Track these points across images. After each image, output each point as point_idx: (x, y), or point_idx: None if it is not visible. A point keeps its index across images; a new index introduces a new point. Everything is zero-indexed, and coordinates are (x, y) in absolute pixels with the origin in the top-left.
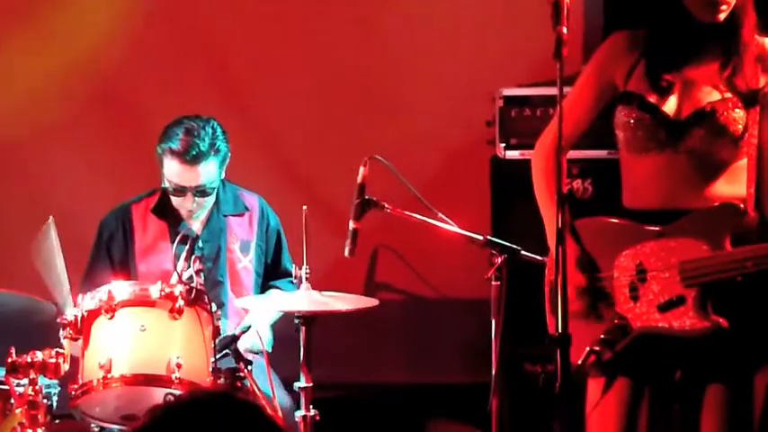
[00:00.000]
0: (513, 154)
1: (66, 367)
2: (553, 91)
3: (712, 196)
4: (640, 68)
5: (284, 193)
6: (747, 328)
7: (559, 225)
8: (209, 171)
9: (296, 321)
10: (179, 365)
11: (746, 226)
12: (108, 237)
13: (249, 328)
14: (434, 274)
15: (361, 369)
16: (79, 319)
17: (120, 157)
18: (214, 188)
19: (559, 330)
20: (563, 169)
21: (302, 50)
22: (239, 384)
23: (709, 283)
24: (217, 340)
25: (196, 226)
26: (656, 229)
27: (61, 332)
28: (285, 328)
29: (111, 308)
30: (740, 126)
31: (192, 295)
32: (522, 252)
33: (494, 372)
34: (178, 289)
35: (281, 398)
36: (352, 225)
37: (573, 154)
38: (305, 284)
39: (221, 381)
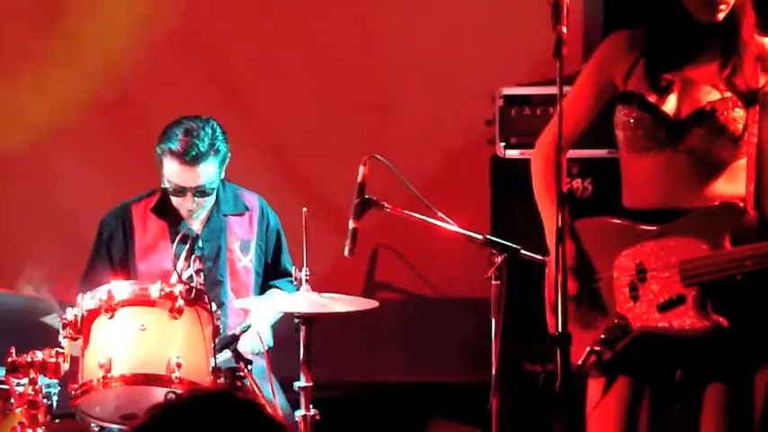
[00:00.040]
0: (513, 153)
1: (66, 367)
2: (553, 90)
3: (712, 196)
4: (640, 68)
5: (284, 192)
6: (747, 328)
7: (559, 224)
8: (208, 171)
9: (296, 321)
10: (179, 365)
11: (746, 225)
12: (108, 236)
13: (249, 327)
14: (434, 273)
15: (361, 368)
16: (79, 318)
17: (120, 156)
18: (214, 188)
19: (559, 330)
20: (563, 168)
21: (302, 50)
22: (239, 384)
23: (709, 283)
24: (217, 340)
25: (196, 225)
26: (656, 228)
27: (61, 332)
28: (285, 328)
29: (110, 307)
30: (740, 125)
31: (192, 295)
32: (522, 251)
33: (494, 371)
34: (178, 288)
35: (279, 402)
36: (351, 224)
37: (573, 153)
38: (305, 286)
39: (221, 380)
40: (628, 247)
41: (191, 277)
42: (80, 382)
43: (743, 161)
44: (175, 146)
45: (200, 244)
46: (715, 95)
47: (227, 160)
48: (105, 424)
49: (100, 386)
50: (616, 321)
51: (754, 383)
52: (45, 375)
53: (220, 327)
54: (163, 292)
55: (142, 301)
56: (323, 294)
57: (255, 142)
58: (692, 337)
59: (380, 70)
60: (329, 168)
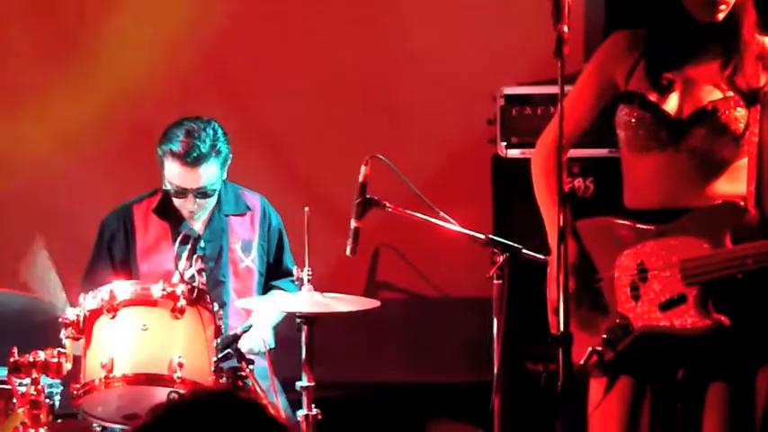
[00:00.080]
0: (514, 153)
1: (68, 367)
2: (554, 89)
3: (713, 195)
4: (641, 68)
5: (285, 193)
6: (749, 326)
7: (561, 224)
8: (210, 173)
9: (297, 321)
10: (181, 365)
11: (747, 224)
12: (109, 237)
13: (251, 327)
14: (436, 272)
15: (363, 368)
16: (81, 318)
17: (121, 156)
18: (215, 190)
19: (561, 329)
20: (563, 168)
21: (302, 50)
22: (241, 384)
23: (710, 282)
24: (218, 339)
25: (197, 226)
26: (657, 227)
27: (63, 332)
28: (286, 327)
29: (112, 307)
30: (741, 125)
31: (194, 295)
32: (524, 251)
33: (495, 371)
34: (180, 288)
35: (281, 403)
36: (353, 224)
37: (574, 152)
38: (306, 285)
39: (223, 380)
40: (629, 246)
41: (192, 277)
42: (82, 381)
43: (744, 160)
44: (177, 147)
45: (202, 244)
46: (716, 95)
47: (229, 161)
48: (107, 424)
49: (102, 386)
50: (618, 321)
51: (755, 382)
52: (47, 375)
53: (222, 327)
54: (165, 292)
55: (144, 300)
56: (325, 294)
57: (256, 142)
58: (694, 336)
59: (381, 70)
60: (330, 168)
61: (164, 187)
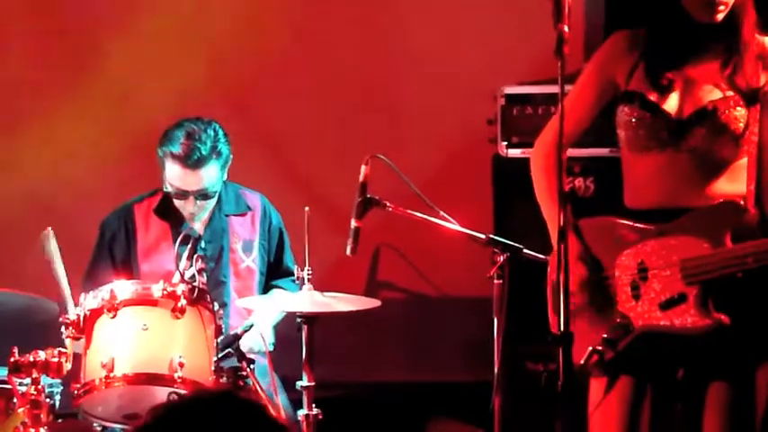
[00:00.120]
0: (514, 152)
1: (68, 366)
2: (555, 89)
3: (714, 195)
4: (641, 68)
5: (285, 192)
6: (749, 325)
7: (561, 223)
8: (210, 175)
9: (298, 321)
10: (181, 364)
11: (747, 223)
12: (110, 237)
13: (251, 327)
14: (436, 272)
15: (363, 368)
16: (81, 318)
17: (121, 156)
18: (216, 192)
19: (561, 329)
20: (563, 167)
21: (302, 50)
22: (242, 383)
23: (711, 281)
24: (219, 339)
25: (198, 226)
26: (657, 227)
27: (64, 331)
28: (287, 327)
29: (113, 307)
30: (741, 124)
31: (195, 294)
32: (525, 250)
33: (496, 370)
34: (180, 288)
35: (281, 402)
36: (353, 224)
37: (574, 152)
38: (307, 285)
39: (224, 380)
40: (629, 246)
41: (193, 277)
42: (82, 381)
43: (744, 160)
44: (177, 149)
45: (203, 245)
46: (716, 94)
47: (229, 162)
48: (108, 424)
49: (102, 386)
50: (618, 320)
51: (755, 381)
52: (47, 375)
53: (222, 326)
54: (165, 292)
55: (144, 300)
56: (325, 294)
57: (256, 142)
58: (694, 336)
59: (381, 70)
60: (330, 168)
61: (164, 189)
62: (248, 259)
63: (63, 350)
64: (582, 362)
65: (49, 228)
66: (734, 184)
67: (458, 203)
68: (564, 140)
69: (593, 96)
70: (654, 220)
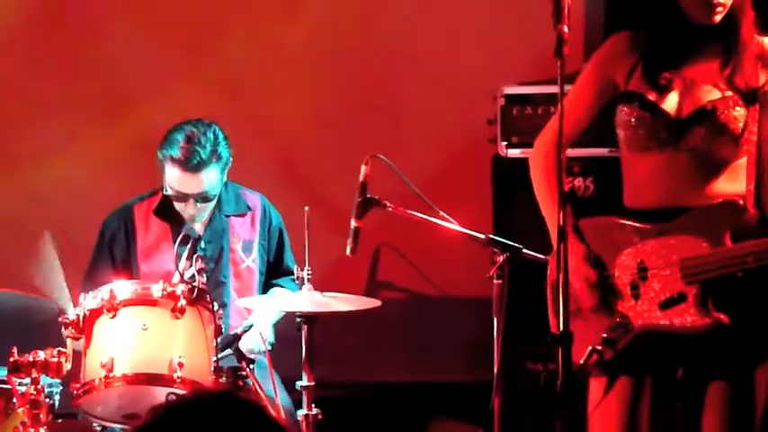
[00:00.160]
0: (514, 152)
1: (68, 366)
2: (555, 89)
3: (713, 194)
4: (641, 68)
5: (285, 193)
6: (748, 325)
7: (561, 223)
8: (210, 178)
9: (297, 320)
10: (181, 365)
11: (746, 223)
12: (110, 237)
13: (251, 327)
14: (436, 272)
15: (363, 368)
16: (81, 318)
17: (121, 156)
18: (216, 194)
19: (561, 328)
20: (563, 167)
21: (302, 50)
22: (241, 383)
23: (710, 280)
24: (218, 339)
25: (198, 226)
26: (657, 227)
27: (64, 331)
28: (286, 327)
29: (112, 307)
30: (740, 124)
31: (194, 294)
32: (524, 250)
33: (495, 370)
34: (180, 288)
35: (282, 399)
36: (353, 224)
37: (574, 152)
38: (307, 285)
39: (223, 380)
40: (629, 245)
41: (193, 277)
42: (82, 381)
43: (743, 160)
44: (177, 153)
45: (203, 245)
46: (716, 94)
47: (229, 165)
48: (107, 423)
49: (102, 386)
50: (618, 320)
51: (755, 380)
52: (47, 375)
53: (222, 326)
54: (165, 292)
55: (144, 300)
56: (325, 293)
57: (256, 142)
58: (694, 335)
59: (381, 70)
60: (330, 168)
61: (164, 192)
62: (248, 259)
63: (62, 350)
64: (582, 361)
65: (48, 232)
66: (733, 183)
67: (458, 203)
68: (563, 140)
69: (592, 96)
70: (653, 220)
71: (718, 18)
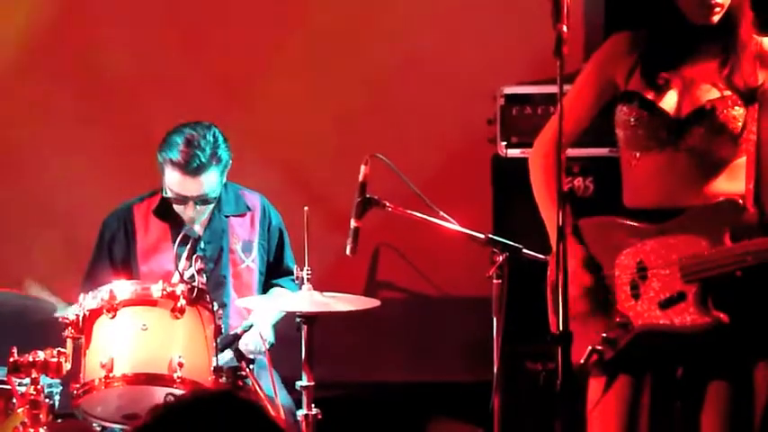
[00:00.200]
0: (514, 152)
1: (67, 366)
2: (555, 89)
3: (713, 194)
4: (640, 68)
5: (285, 192)
6: (748, 323)
7: (560, 223)
8: (210, 180)
9: (297, 320)
10: (180, 365)
11: (746, 222)
12: (110, 237)
13: (251, 327)
14: (436, 272)
15: (363, 367)
16: (81, 318)
17: (120, 156)
18: (216, 197)
19: (560, 328)
20: (563, 167)
21: (302, 50)
22: (241, 383)
23: (710, 279)
24: (218, 339)
25: (197, 227)
26: (657, 226)
27: (64, 331)
28: (286, 327)
29: (112, 307)
30: (739, 124)
31: (194, 294)
32: (524, 250)
33: (495, 370)
34: (180, 288)
35: (282, 398)
36: (353, 223)
37: (574, 152)
38: (306, 285)
39: (223, 380)
40: (629, 245)
41: (192, 277)
42: (82, 381)
43: (742, 159)
44: (176, 156)
45: (202, 245)
46: (715, 94)
47: (229, 166)
48: (107, 424)
49: (102, 386)
50: (617, 320)
51: (754, 379)
52: (47, 375)
53: (222, 326)
54: (164, 292)
55: (144, 300)
56: (324, 293)
57: (256, 142)
58: (693, 334)
59: (381, 70)
60: (330, 168)
61: (164, 194)
62: (248, 259)
63: (62, 350)
64: (582, 361)
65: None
66: (733, 183)
67: (457, 203)
68: (563, 140)
69: (592, 96)
70: (653, 220)
71: (716, 18)
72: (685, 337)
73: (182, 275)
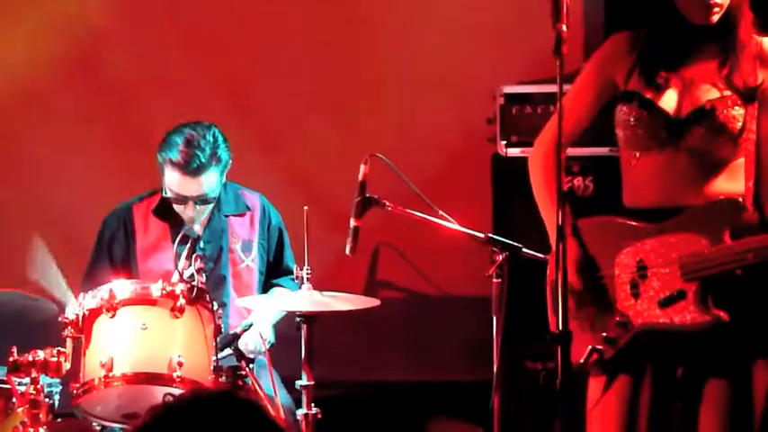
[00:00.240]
0: (514, 151)
1: (67, 366)
2: (554, 88)
3: (712, 194)
4: (640, 68)
5: (285, 192)
6: (748, 322)
7: (560, 222)
8: (210, 180)
9: (297, 320)
10: (180, 364)
11: (745, 221)
12: (109, 237)
13: (251, 326)
14: (435, 271)
15: (363, 367)
16: (80, 317)
17: (120, 156)
18: (215, 197)
19: (560, 328)
20: (562, 167)
21: (302, 50)
22: (241, 383)
23: (710, 277)
24: (218, 339)
25: (197, 226)
26: (656, 225)
27: (64, 331)
28: (286, 326)
29: (112, 306)
30: (739, 123)
31: (194, 294)
32: (524, 250)
33: (495, 369)
34: (179, 287)
35: (282, 397)
36: (353, 223)
37: (574, 151)
38: (306, 284)
39: (223, 379)
40: (628, 244)
41: (192, 276)
42: (81, 381)
43: (742, 159)
44: (176, 157)
45: (202, 245)
46: (714, 94)
47: (229, 167)
48: (107, 423)
49: (101, 385)
50: (617, 319)
51: (754, 378)
52: (46, 374)
53: (222, 326)
54: (164, 291)
55: (143, 300)
56: (324, 293)
57: (256, 142)
58: (693, 333)
59: (381, 69)
60: (330, 167)
61: (163, 194)
62: (247, 259)
63: (62, 350)
64: (582, 361)
65: (36, 234)
66: (732, 182)
67: (457, 203)
68: (563, 140)
69: (592, 96)
70: (653, 220)
71: (715, 18)
72: (685, 336)
73: (181, 275)
